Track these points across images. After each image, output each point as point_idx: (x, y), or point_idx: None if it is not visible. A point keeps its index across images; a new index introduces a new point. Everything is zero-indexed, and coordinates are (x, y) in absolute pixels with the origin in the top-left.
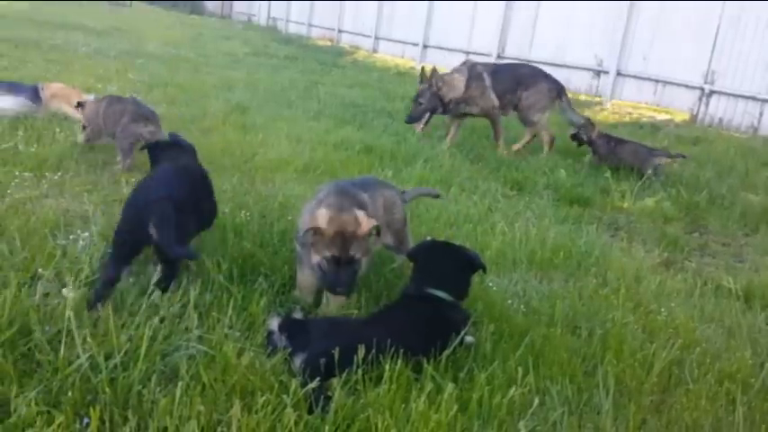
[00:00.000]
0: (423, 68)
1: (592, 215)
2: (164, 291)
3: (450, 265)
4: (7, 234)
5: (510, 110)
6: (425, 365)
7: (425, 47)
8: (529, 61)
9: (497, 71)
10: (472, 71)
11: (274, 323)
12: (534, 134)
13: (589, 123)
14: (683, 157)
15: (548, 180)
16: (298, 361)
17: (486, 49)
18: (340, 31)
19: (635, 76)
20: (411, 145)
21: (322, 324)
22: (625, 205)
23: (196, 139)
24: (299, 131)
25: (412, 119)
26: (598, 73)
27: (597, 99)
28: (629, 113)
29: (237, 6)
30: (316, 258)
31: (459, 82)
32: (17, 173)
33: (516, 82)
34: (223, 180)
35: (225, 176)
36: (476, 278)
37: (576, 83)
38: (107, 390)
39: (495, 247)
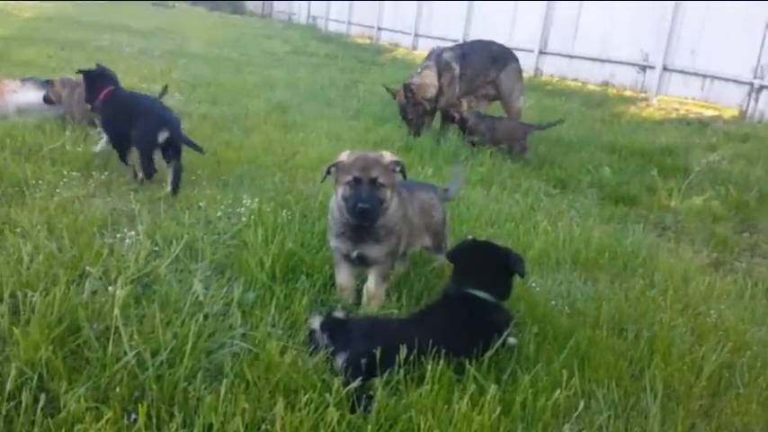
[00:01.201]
0: (387, 89)
1: (638, 214)
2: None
3: (490, 266)
4: (56, 232)
5: (480, 93)
6: (468, 366)
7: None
8: (572, 57)
9: (466, 54)
10: (440, 62)
11: (316, 322)
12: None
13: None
14: (560, 122)
15: (592, 178)
16: (339, 360)
17: (527, 44)
18: (379, 29)
19: (682, 71)
20: (452, 143)
21: (363, 324)
22: (672, 204)
23: (238, 138)
24: (339, 130)
25: (416, 132)
26: (643, 68)
27: (642, 95)
28: (676, 109)
29: (278, 6)
30: (339, 190)
31: (431, 78)
32: (65, 172)
33: (489, 61)
34: (265, 179)
35: (266, 175)
36: (518, 279)
37: (620, 78)
38: (154, 386)
39: (538, 246)
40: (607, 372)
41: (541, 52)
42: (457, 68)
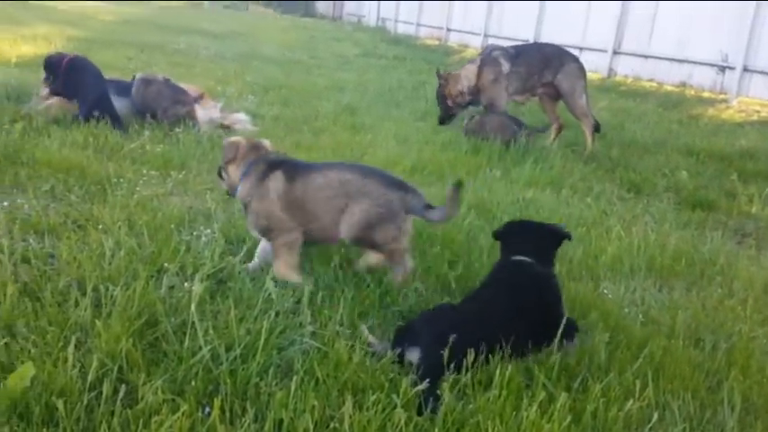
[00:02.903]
0: (437, 70)
1: (716, 220)
2: None
3: (536, 238)
4: (136, 229)
5: (536, 92)
6: (537, 373)
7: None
8: (647, 57)
9: (520, 53)
10: (486, 57)
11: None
12: (592, 123)
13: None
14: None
15: (668, 182)
16: (413, 355)
17: (601, 44)
18: (448, 30)
19: (763, 72)
20: (520, 144)
21: (433, 316)
22: (753, 210)
23: (308, 139)
24: (407, 132)
25: (440, 120)
26: (723, 69)
27: (722, 96)
28: (757, 112)
29: (348, 8)
30: None
31: (469, 72)
32: (145, 171)
33: (543, 62)
34: None
35: None
36: (590, 285)
37: (698, 79)
38: (228, 381)
39: (611, 252)
40: (682, 383)
41: (615, 52)
42: (506, 66)
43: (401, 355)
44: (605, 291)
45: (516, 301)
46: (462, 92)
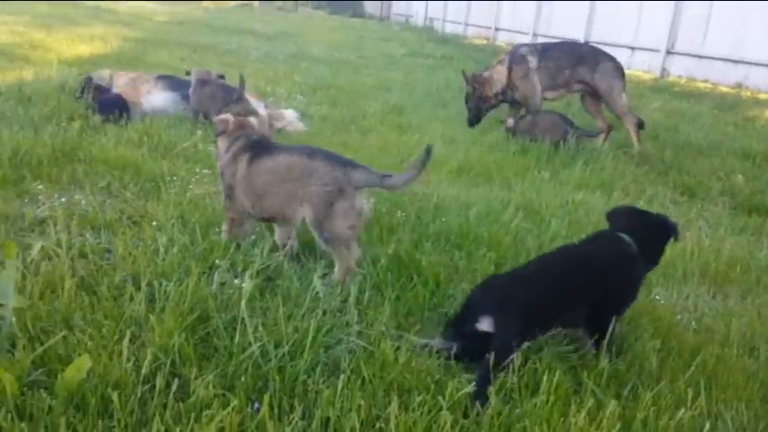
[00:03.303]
0: (463, 72)
1: None
2: None
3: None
4: (189, 226)
5: (571, 89)
6: (586, 380)
7: (587, 43)
8: (701, 57)
9: (548, 49)
10: (514, 55)
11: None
12: (635, 121)
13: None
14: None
15: (723, 186)
16: (484, 324)
17: (653, 44)
18: (497, 30)
19: None
20: (570, 146)
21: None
22: None
23: (356, 139)
24: (454, 132)
25: (471, 122)
26: None
27: None
28: None
29: (396, 8)
30: None
31: (500, 74)
32: (197, 170)
33: (576, 59)
34: None
35: None
36: (642, 291)
37: (754, 80)
38: (276, 377)
39: (664, 257)
40: (736, 393)
41: (669, 52)
42: (533, 61)
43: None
44: (657, 297)
45: (594, 271)
46: (497, 93)
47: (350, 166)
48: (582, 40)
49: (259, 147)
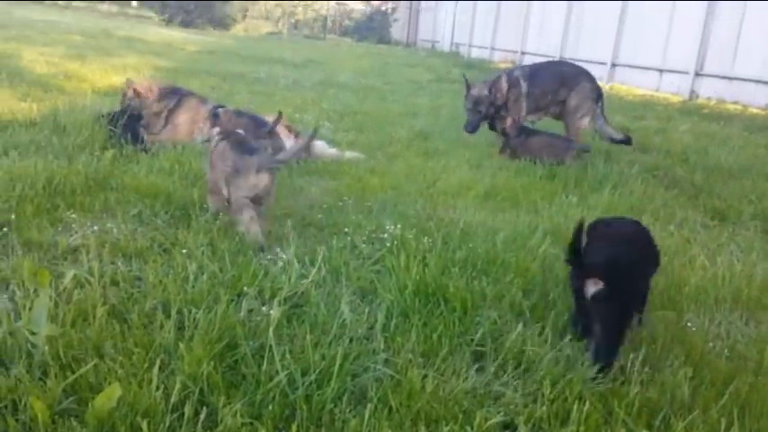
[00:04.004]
0: (464, 77)
1: None
2: None
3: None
4: (218, 254)
5: (549, 111)
6: (616, 408)
7: (614, 66)
8: (731, 78)
9: (535, 72)
10: (510, 77)
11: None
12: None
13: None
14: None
15: (755, 209)
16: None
17: (682, 65)
18: (523, 53)
19: None
20: (597, 170)
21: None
22: None
23: (382, 164)
24: (480, 157)
25: (473, 127)
26: None
27: None
28: None
29: (422, 34)
30: None
31: (503, 87)
32: None
33: (559, 81)
34: (407, 205)
35: (409, 202)
36: (672, 317)
37: None
38: (303, 406)
39: (695, 282)
40: None
41: (697, 74)
42: (524, 87)
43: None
44: (689, 323)
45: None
46: (499, 105)
47: (248, 154)
48: (609, 63)
49: (225, 136)
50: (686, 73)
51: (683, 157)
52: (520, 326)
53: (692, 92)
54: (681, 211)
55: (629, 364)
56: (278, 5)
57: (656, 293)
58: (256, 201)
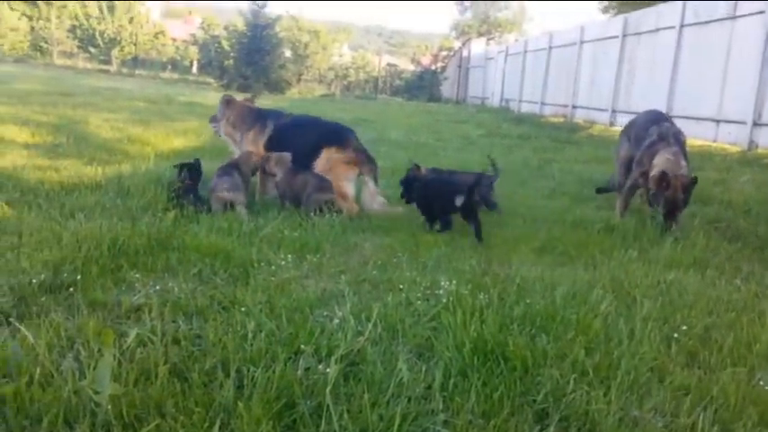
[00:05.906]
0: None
1: None
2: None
3: None
4: (275, 311)
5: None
6: None
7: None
8: None
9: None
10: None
11: None
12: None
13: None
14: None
15: None
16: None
17: (739, 116)
18: (573, 107)
19: None
20: (657, 223)
21: None
22: None
23: None
24: (534, 211)
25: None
26: None
27: None
28: None
29: (472, 90)
30: None
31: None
32: (282, 255)
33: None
34: (462, 261)
35: (463, 257)
36: (742, 376)
37: None
38: None
39: (766, 339)
40: None
41: (755, 124)
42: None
43: None
44: (761, 381)
45: None
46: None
47: (218, 184)
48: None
49: None
50: (743, 123)
51: (745, 209)
52: (584, 386)
53: (751, 141)
54: (746, 265)
55: (700, 424)
56: (331, 69)
57: (726, 350)
58: None
